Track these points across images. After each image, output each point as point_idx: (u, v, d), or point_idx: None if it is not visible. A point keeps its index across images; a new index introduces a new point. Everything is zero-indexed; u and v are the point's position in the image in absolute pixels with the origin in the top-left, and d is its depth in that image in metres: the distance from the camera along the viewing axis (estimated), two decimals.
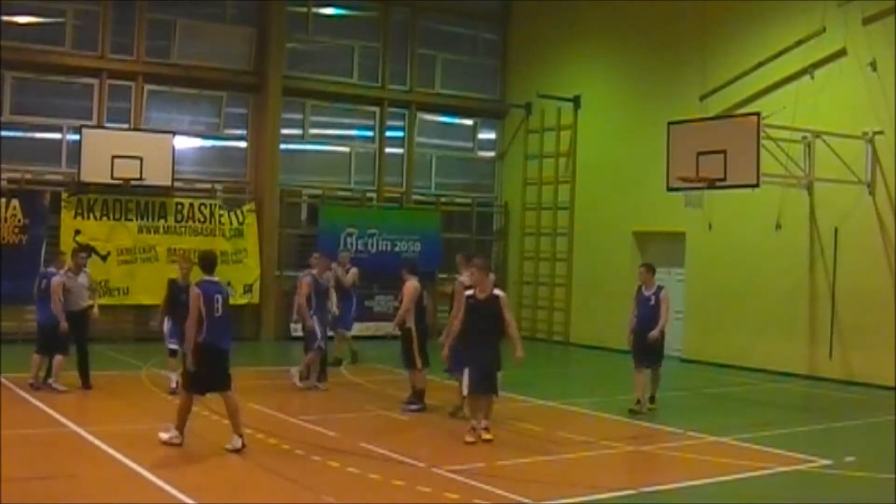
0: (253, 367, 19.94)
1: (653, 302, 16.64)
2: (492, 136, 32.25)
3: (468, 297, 13.94)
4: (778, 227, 22.93)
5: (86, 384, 17.34)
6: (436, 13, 30.83)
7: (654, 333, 16.47)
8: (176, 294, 16.08)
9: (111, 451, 12.41)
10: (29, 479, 10.88)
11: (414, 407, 16.02)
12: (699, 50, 24.94)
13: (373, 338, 25.64)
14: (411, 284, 16.21)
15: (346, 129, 29.87)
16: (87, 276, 17.97)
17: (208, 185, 27.16)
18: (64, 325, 16.84)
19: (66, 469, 11.59)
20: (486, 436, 13.63)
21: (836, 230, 21.88)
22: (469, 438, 13.59)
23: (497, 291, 14.05)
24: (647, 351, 16.65)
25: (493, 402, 14.00)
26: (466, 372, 13.79)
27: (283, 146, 27.91)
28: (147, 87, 26.37)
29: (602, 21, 28.17)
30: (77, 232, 24.76)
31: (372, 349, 21.03)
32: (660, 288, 16.84)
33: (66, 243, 24.39)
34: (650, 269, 17.07)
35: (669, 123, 21.42)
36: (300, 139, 28.82)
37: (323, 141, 29.46)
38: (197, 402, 12.87)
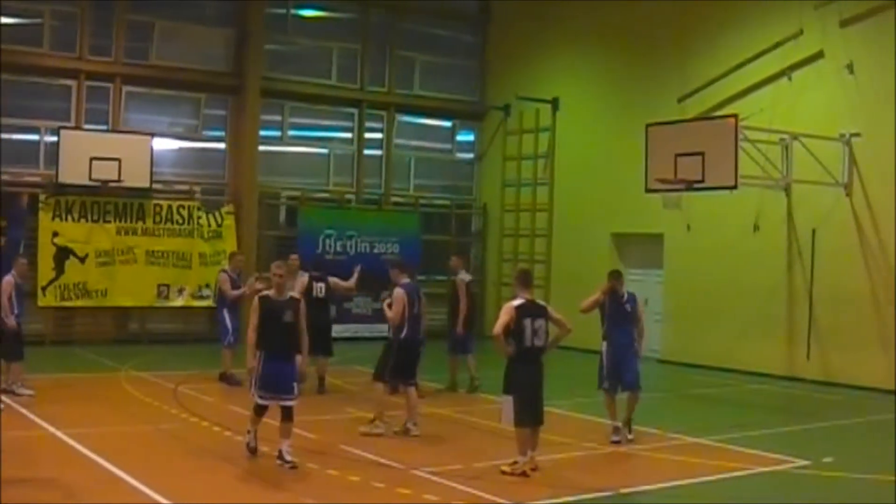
0: (234, 369, 19.79)
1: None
2: (470, 137, 32.29)
3: (518, 306, 12.39)
4: (756, 228, 23.04)
5: None
6: (415, 15, 30.84)
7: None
8: (272, 314, 12.45)
9: (90, 453, 12.37)
10: (6, 483, 10.81)
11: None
12: (678, 52, 25.05)
13: (352, 339, 25.65)
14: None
15: (325, 130, 29.85)
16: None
17: (187, 187, 27.10)
18: (10, 325, 16.44)
19: (44, 472, 11.53)
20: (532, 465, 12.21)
21: (813, 232, 21.98)
22: (506, 470, 12.04)
23: (541, 302, 13.17)
24: None
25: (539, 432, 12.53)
26: (511, 400, 12.27)
27: (261, 148, 27.88)
28: (125, 88, 26.28)
29: (581, 23, 28.20)
30: (55, 234, 24.68)
31: (351, 351, 20.98)
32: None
33: (45, 245, 24.38)
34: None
35: (648, 125, 21.46)
36: (279, 141, 28.79)
37: (302, 142, 29.45)
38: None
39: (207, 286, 25.01)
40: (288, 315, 12.41)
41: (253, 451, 12.53)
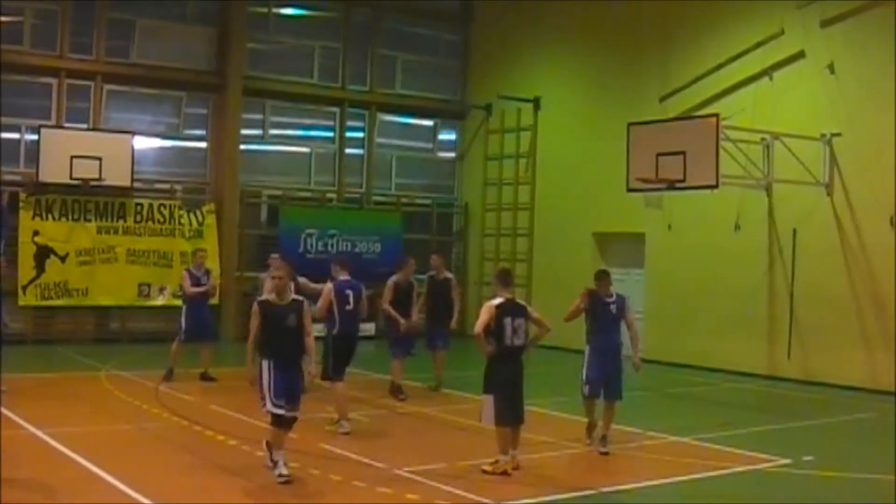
0: (213, 368, 19.76)
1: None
2: (452, 136, 32.28)
3: (498, 305, 12.40)
4: (737, 228, 23.08)
5: None
6: (397, 14, 30.81)
7: None
8: (275, 320, 11.56)
9: (70, 453, 12.32)
10: None
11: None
12: (659, 51, 25.10)
13: None
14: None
15: (307, 129, 29.82)
16: None
17: (168, 186, 27.00)
18: None
19: (24, 472, 11.44)
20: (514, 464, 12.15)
21: (794, 231, 22.03)
22: (488, 469, 11.98)
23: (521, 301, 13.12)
24: None
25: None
26: (491, 399, 12.23)
27: (243, 146, 27.83)
28: (106, 86, 26.17)
29: (563, 22, 28.22)
30: (35, 233, 24.58)
31: None
32: None
33: (25, 244, 24.28)
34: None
35: (629, 124, 21.47)
36: (260, 139, 28.73)
37: (283, 141, 29.40)
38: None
39: None
40: (291, 320, 11.54)
41: (287, 480, 11.18)
